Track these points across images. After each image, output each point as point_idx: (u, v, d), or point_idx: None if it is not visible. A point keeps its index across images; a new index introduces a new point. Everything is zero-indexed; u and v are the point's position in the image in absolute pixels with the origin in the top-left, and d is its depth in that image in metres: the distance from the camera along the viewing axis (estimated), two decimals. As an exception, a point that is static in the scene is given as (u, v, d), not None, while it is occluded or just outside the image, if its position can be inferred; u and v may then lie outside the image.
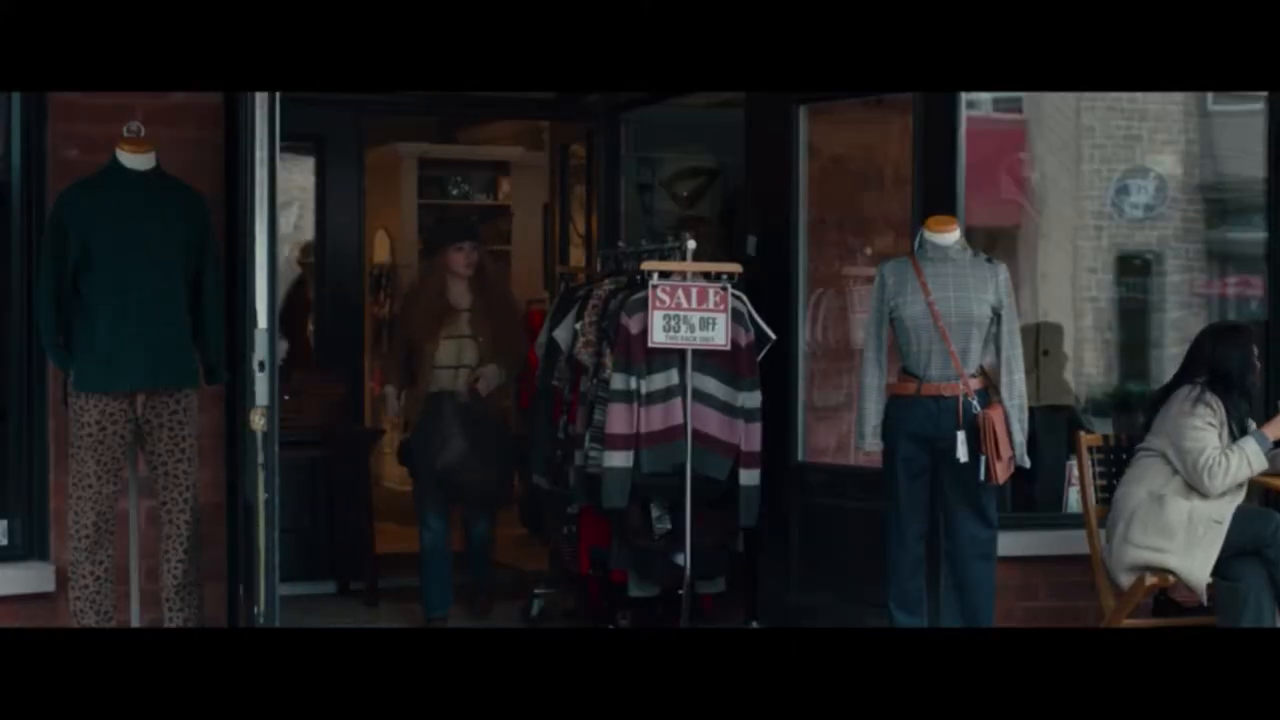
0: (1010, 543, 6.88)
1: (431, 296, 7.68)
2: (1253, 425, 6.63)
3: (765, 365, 7.33)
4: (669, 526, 7.23)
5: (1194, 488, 6.49)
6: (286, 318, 9.11)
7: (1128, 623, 6.61)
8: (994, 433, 6.31)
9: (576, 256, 10.71)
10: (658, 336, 7.09)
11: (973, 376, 6.47)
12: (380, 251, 13.04)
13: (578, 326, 7.44)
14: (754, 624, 7.53)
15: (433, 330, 7.65)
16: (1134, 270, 8.64)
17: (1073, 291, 8.41)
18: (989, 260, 6.60)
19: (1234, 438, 6.53)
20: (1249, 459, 6.47)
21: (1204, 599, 6.40)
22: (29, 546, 6.60)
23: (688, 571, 7.17)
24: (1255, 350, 6.69)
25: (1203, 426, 6.48)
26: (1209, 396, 6.52)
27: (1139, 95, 8.32)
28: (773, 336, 7.30)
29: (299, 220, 10.49)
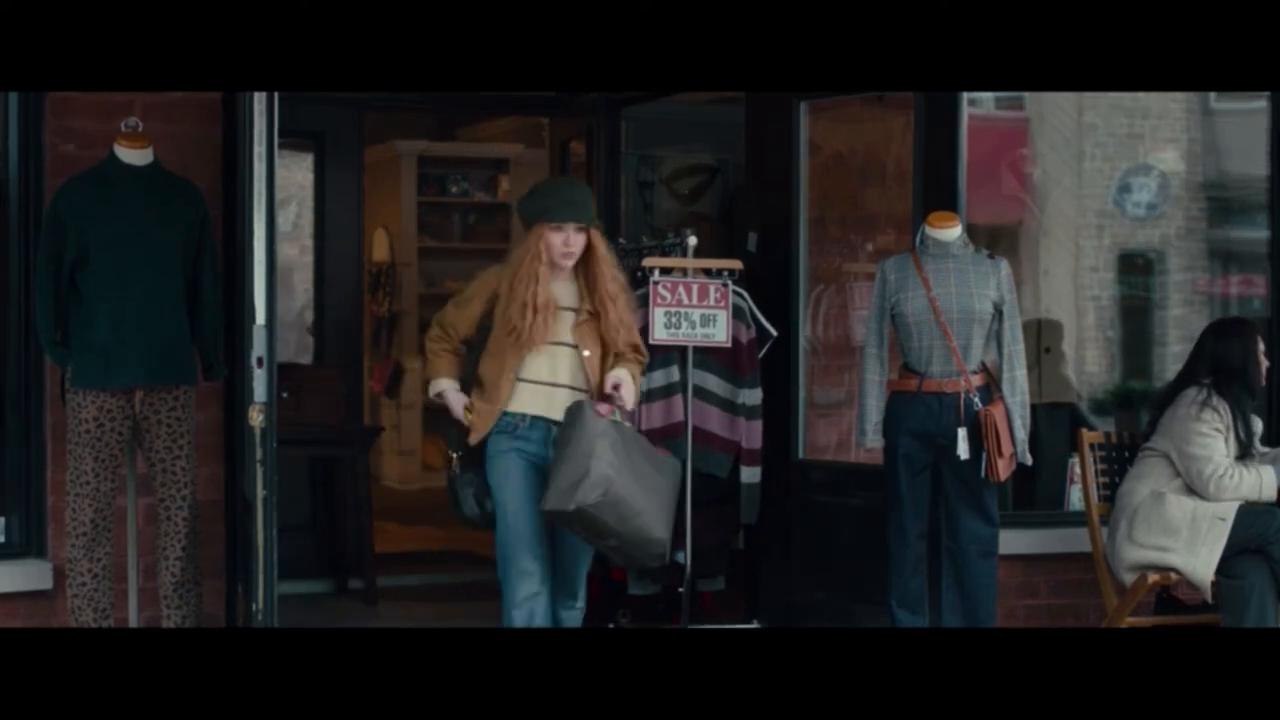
0: (1011, 541, 6.87)
1: (521, 287, 5.61)
2: (1259, 424, 6.63)
3: (766, 362, 7.32)
4: (668, 524, 7.19)
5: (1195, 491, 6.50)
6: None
7: (1130, 621, 6.60)
8: (995, 430, 6.30)
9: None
10: (659, 333, 7.07)
11: (974, 373, 6.46)
12: (379, 249, 13.04)
13: (578, 323, 7.42)
14: (754, 623, 7.51)
15: (519, 332, 5.60)
16: (1136, 268, 8.62)
17: (1074, 289, 8.39)
18: (990, 256, 6.59)
19: (1239, 439, 6.52)
20: (1262, 486, 6.46)
21: (1208, 597, 6.39)
22: (27, 544, 6.59)
23: (688, 569, 7.15)
24: (1260, 344, 6.68)
25: (1209, 432, 6.47)
26: (1215, 400, 6.51)
27: (1141, 93, 8.31)
28: (774, 333, 7.28)
29: (297, 218, 10.47)
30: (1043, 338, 8.02)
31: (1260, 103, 7.93)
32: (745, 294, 7.24)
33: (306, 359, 9.95)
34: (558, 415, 5.60)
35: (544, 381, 5.66)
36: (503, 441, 5.65)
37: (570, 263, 5.67)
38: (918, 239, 6.60)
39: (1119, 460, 6.91)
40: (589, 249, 5.68)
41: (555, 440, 5.57)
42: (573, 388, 5.66)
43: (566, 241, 5.64)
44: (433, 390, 5.80)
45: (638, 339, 5.79)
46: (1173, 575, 6.44)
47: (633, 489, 5.45)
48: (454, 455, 5.79)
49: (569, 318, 5.68)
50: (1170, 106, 8.47)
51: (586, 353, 5.65)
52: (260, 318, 5.67)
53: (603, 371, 5.68)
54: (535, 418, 5.65)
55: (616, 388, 5.60)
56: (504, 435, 5.65)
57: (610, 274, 5.69)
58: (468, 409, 5.68)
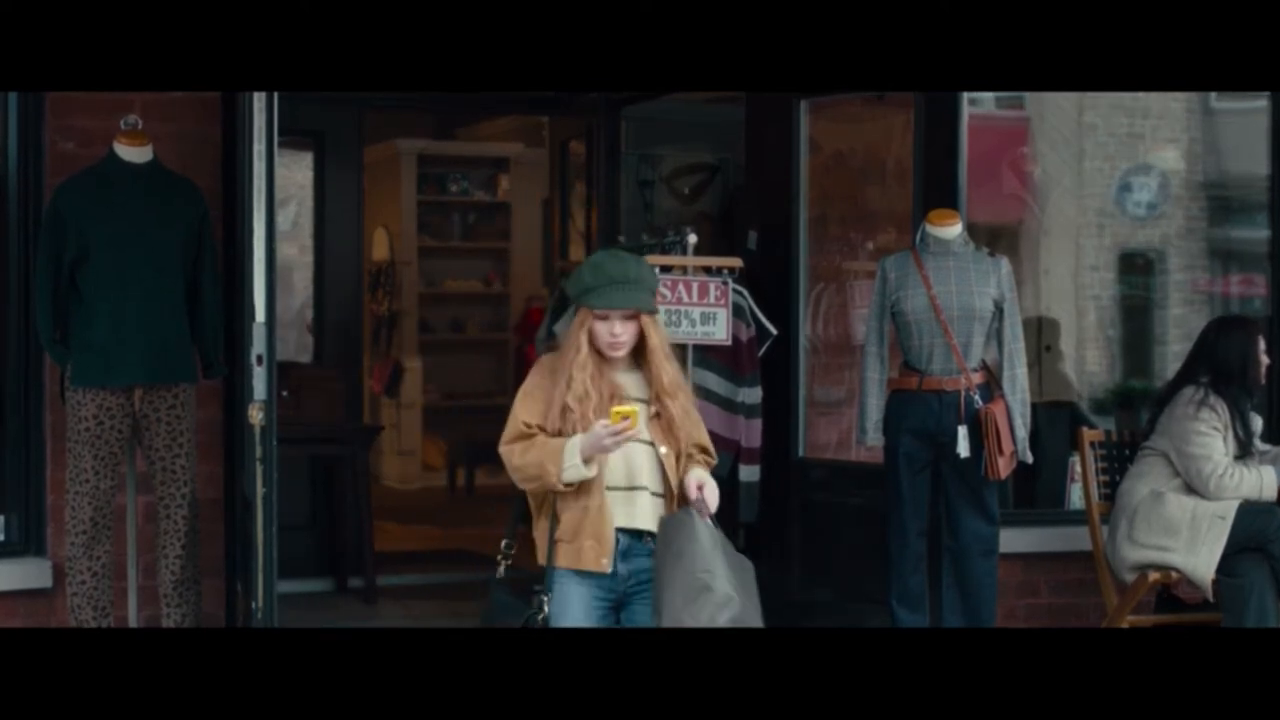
0: (1012, 539, 6.86)
1: (565, 384, 4.76)
2: (1259, 422, 6.62)
3: (766, 360, 7.30)
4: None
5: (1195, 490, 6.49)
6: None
7: (1131, 619, 6.59)
8: (996, 428, 6.29)
9: (576, 253, 10.69)
10: (658, 332, 7.05)
11: (974, 371, 6.45)
12: (379, 249, 13.05)
13: (578, 321, 7.40)
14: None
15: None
16: (1136, 268, 8.61)
17: (1075, 289, 8.39)
18: (991, 254, 6.59)
19: (1238, 437, 6.51)
20: (1262, 486, 6.45)
21: (1209, 595, 6.38)
22: (26, 542, 6.57)
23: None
24: (1261, 343, 6.67)
25: (1207, 431, 6.46)
26: (1212, 399, 6.50)
27: (1141, 93, 8.31)
28: (774, 331, 7.27)
29: (297, 217, 10.47)
30: (1043, 336, 8.01)
31: (1261, 102, 7.92)
32: (745, 292, 7.23)
33: (306, 358, 9.95)
34: (643, 523, 4.76)
35: (621, 486, 4.75)
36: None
37: (620, 354, 4.78)
38: (918, 237, 6.60)
39: (1119, 459, 6.90)
40: (642, 339, 4.79)
41: (653, 554, 4.72)
42: (654, 492, 4.78)
43: (613, 331, 4.75)
44: (568, 466, 4.65)
45: (705, 438, 4.92)
46: (1173, 574, 6.43)
47: (748, 607, 4.66)
48: (503, 554, 4.98)
49: (642, 410, 4.76)
50: (1171, 106, 8.46)
51: (664, 449, 4.77)
52: (260, 315, 5.66)
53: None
54: (616, 530, 4.75)
55: (700, 488, 4.76)
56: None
57: (665, 368, 4.80)
58: (618, 414, 4.61)
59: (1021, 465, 6.49)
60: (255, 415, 5.62)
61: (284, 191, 9.71)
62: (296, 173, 10.01)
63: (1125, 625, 6.58)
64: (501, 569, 4.99)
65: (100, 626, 6.16)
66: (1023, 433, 6.43)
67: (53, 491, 6.50)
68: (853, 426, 7.03)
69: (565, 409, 4.72)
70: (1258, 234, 8.14)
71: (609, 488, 4.73)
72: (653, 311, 4.81)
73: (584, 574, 4.75)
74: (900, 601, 6.51)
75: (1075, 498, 7.38)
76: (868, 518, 6.91)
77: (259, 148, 5.67)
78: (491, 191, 13.41)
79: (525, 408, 4.78)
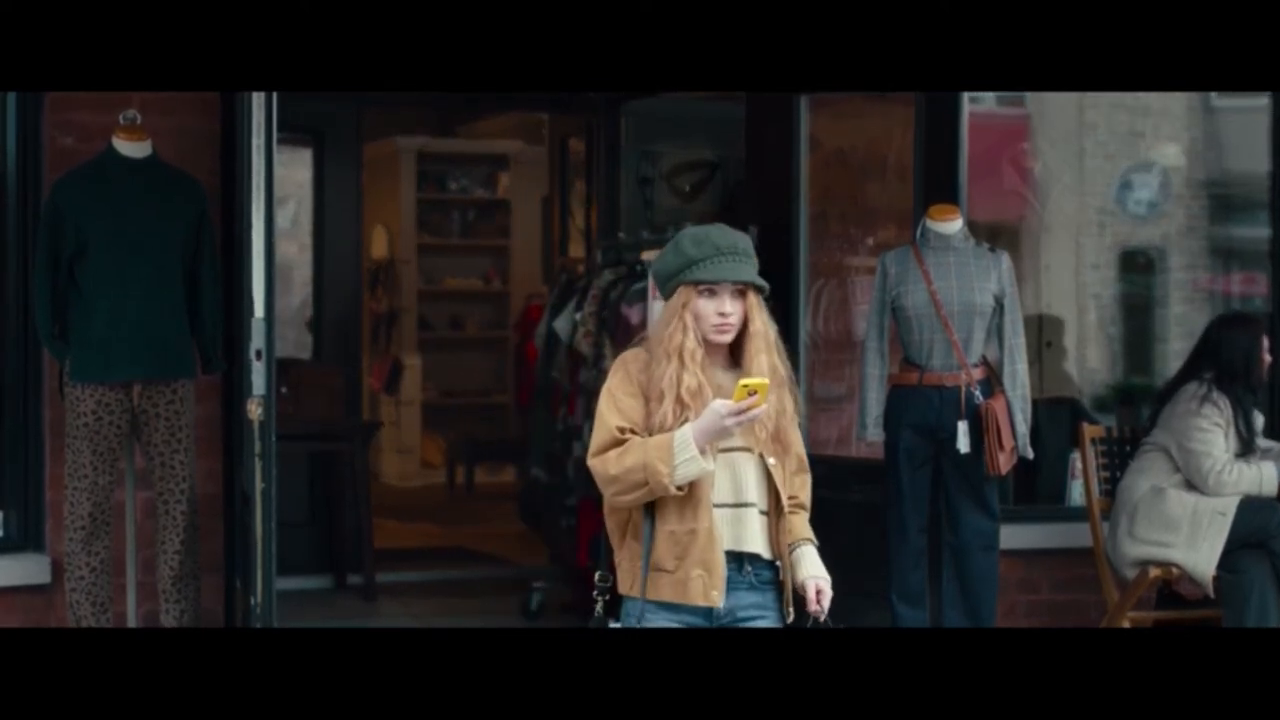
0: (1012, 536, 6.85)
1: (660, 376, 4.05)
2: (1260, 419, 6.61)
3: (766, 357, 7.29)
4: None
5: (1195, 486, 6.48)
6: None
7: (1132, 616, 6.59)
8: (996, 423, 6.28)
9: (576, 251, 10.68)
10: (658, 328, 7.04)
11: (975, 366, 6.44)
12: (378, 246, 13.05)
13: (577, 317, 7.41)
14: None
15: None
16: (1137, 266, 8.61)
17: (1076, 287, 8.38)
18: (991, 249, 6.57)
19: (1240, 436, 6.51)
20: (1263, 481, 6.44)
21: (1210, 591, 6.37)
22: (25, 538, 6.56)
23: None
24: (1265, 341, 6.66)
25: (1209, 428, 6.46)
26: (1215, 395, 6.49)
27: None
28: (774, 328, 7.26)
29: (296, 215, 10.47)
30: (1044, 333, 8.01)
31: (1262, 100, 7.91)
32: (746, 289, 7.21)
33: (305, 355, 9.95)
34: (750, 545, 4.09)
35: (728, 503, 4.07)
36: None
37: (727, 338, 4.06)
38: (918, 232, 6.59)
39: (1120, 455, 6.90)
40: (750, 322, 4.08)
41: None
42: (762, 510, 4.11)
43: (722, 310, 4.05)
44: (682, 460, 3.93)
45: (803, 448, 4.25)
46: (1174, 570, 6.43)
47: None
48: (599, 589, 4.33)
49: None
50: (1171, 104, 8.46)
51: (772, 460, 4.09)
52: (259, 310, 5.64)
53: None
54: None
55: (819, 593, 4.20)
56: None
57: (773, 359, 4.10)
58: (745, 387, 3.91)
59: (1022, 461, 6.49)
60: (254, 410, 5.60)
61: (283, 189, 9.69)
62: (296, 171, 10.01)
63: (1126, 622, 6.57)
64: (600, 607, 4.35)
65: (99, 623, 6.14)
66: (1023, 428, 6.42)
67: (51, 487, 6.49)
68: (853, 422, 7.02)
69: (679, 403, 3.99)
70: (1259, 232, 8.13)
71: (715, 505, 4.05)
72: (762, 290, 4.10)
73: (680, 607, 4.13)
74: (900, 598, 6.50)
75: (1076, 494, 7.37)
76: (868, 514, 6.89)
77: (258, 142, 5.66)
78: (491, 189, 13.41)
79: (615, 410, 4.05)
